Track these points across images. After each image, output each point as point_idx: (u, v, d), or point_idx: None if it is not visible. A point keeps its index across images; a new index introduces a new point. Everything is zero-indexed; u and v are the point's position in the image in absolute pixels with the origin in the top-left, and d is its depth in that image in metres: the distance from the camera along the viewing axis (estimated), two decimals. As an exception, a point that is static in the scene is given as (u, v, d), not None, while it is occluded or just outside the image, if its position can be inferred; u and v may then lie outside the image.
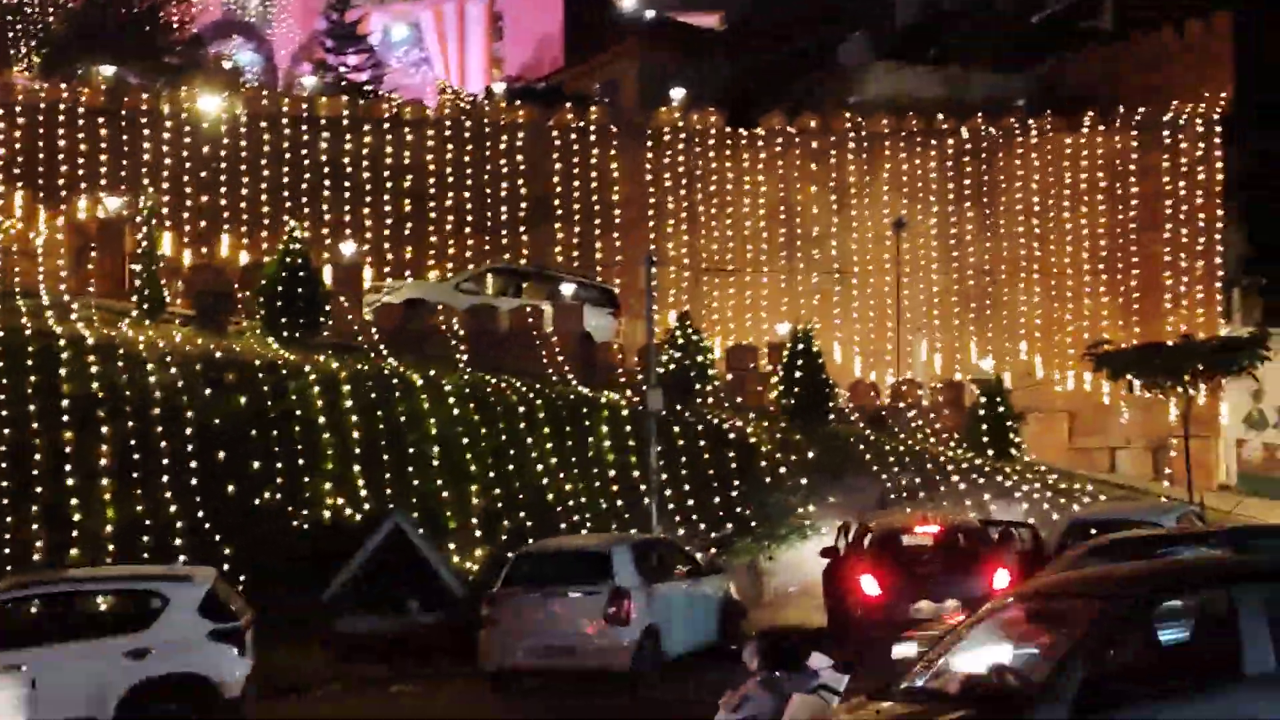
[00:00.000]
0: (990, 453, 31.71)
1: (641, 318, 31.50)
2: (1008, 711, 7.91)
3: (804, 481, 28.94)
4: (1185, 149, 38.30)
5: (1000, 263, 38.74)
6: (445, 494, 25.30)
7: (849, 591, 20.72)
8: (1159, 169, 38.32)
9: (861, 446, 30.60)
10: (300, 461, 24.81)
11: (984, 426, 32.22)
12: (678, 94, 41.65)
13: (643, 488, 26.82)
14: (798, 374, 31.36)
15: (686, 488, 27.99)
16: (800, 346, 31.65)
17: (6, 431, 23.27)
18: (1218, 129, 38.24)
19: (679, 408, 29.38)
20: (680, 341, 31.04)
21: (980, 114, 39.66)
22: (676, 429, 28.65)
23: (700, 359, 31.16)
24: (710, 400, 30.95)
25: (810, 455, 29.67)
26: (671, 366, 30.25)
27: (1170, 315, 37.36)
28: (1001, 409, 32.42)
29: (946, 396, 34.23)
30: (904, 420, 33.07)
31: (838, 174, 38.48)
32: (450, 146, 36.95)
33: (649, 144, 37.99)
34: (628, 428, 28.14)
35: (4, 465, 22.88)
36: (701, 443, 28.93)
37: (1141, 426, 36.88)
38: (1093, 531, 22.30)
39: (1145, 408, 36.34)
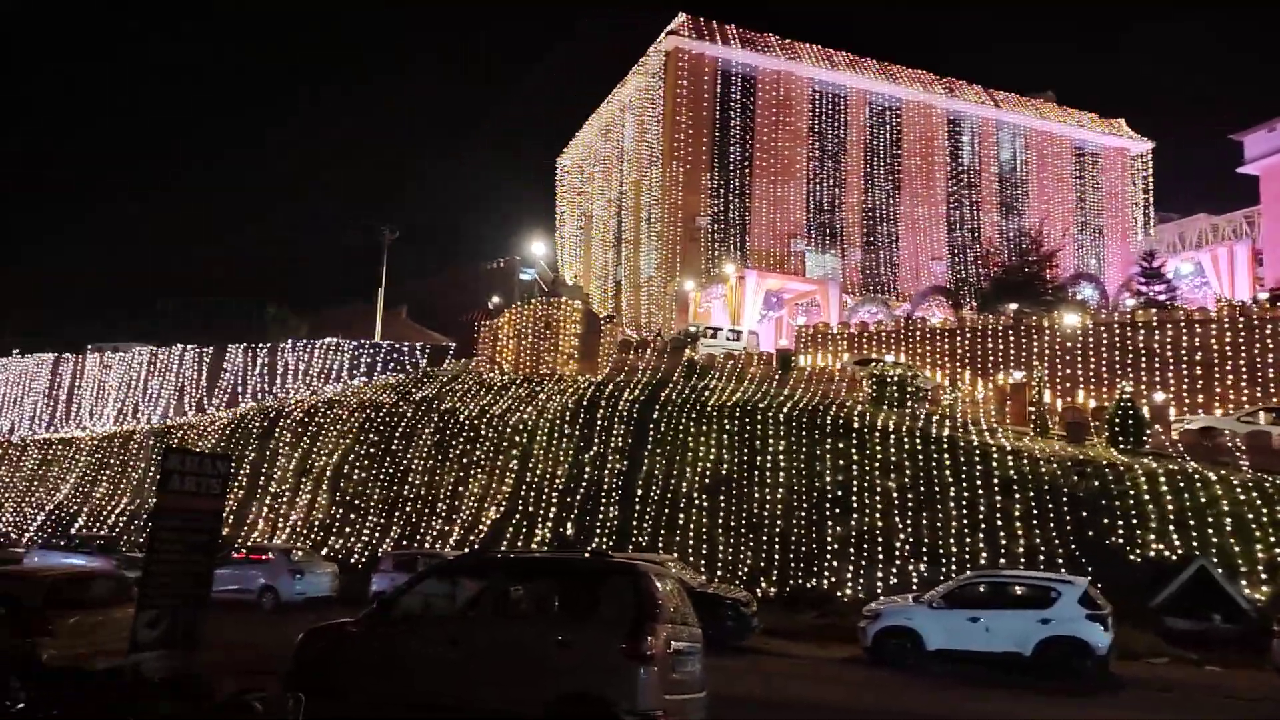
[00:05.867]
0: None
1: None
2: None
3: None
4: None
5: None
6: (1236, 548, 20.90)
7: None
8: None
9: None
10: (1134, 519, 21.91)
11: None
12: None
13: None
14: None
15: None
16: None
17: (981, 493, 23.33)
18: None
19: None
20: None
21: None
22: None
23: None
24: None
25: None
26: None
27: None
28: None
29: None
30: None
31: None
32: (1228, 335, 30.81)
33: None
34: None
35: (936, 516, 22.96)
36: None
37: None
38: None
39: None
